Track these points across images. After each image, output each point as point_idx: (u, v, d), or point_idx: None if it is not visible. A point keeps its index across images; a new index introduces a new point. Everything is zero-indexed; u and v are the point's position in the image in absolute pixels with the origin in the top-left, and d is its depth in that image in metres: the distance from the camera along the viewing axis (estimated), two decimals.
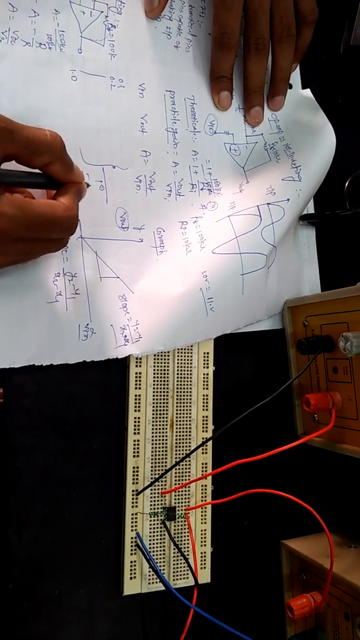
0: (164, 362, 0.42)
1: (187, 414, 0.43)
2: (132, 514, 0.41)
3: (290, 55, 0.46)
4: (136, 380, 0.41)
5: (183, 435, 0.43)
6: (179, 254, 0.43)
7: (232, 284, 0.43)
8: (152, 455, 0.42)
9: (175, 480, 0.42)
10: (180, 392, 0.43)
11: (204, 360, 0.44)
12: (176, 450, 0.42)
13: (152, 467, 0.41)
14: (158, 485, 0.42)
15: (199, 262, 0.43)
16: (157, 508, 0.42)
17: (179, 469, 0.42)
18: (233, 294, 0.43)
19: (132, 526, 0.41)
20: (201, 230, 0.44)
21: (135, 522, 0.41)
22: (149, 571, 0.41)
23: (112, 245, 0.42)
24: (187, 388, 0.43)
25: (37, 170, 0.35)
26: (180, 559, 0.42)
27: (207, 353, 0.44)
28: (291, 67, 0.47)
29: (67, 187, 0.36)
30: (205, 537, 0.43)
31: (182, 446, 0.43)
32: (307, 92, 0.49)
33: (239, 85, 0.47)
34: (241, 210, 0.44)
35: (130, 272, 0.42)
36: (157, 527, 0.42)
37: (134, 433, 0.41)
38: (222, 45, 0.43)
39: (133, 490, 0.41)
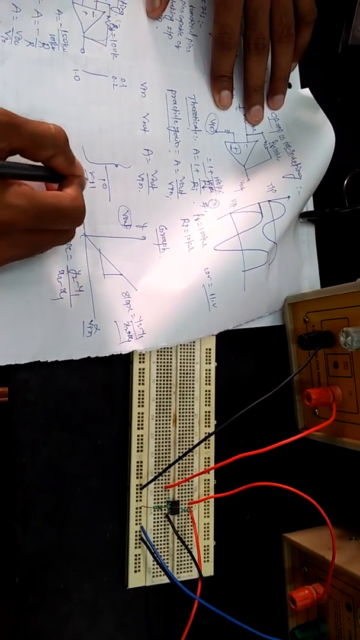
0: (167, 358, 0.43)
1: (189, 409, 0.44)
2: (137, 508, 0.41)
3: (290, 54, 0.47)
4: (139, 376, 0.42)
5: (186, 430, 0.43)
6: (181, 251, 0.44)
7: (234, 281, 0.44)
8: (155, 450, 0.42)
9: (179, 475, 0.43)
10: (183, 387, 0.43)
11: (206, 356, 0.44)
12: (179, 445, 0.43)
13: (155, 461, 0.42)
14: (161, 480, 0.42)
15: (201, 258, 0.43)
16: (161, 502, 0.42)
17: (182, 463, 0.43)
18: (235, 290, 0.44)
19: (136, 520, 0.41)
20: (203, 227, 0.44)
21: (140, 516, 0.41)
22: (154, 564, 0.41)
23: (115, 243, 0.42)
24: (189, 384, 0.44)
25: (40, 164, 0.36)
26: (184, 552, 0.42)
27: (209, 349, 0.45)
28: (290, 66, 0.48)
29: (70, 179, 0.37)
30: (208, 531, 0.44)
31: (185, 441, 0.43)
32: (307, 91, 0.50)
33: (239, 84, 0.48)
34: (242, 207, 0.45)
35: (133, 269, 0.42)
36: (161, 521, 0.42)
37: (138, 428, 0.42)
38: (223, 44, 0.44)
39: (137, 485, 0.41)
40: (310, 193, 0.48)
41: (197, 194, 0.45)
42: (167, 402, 0.43)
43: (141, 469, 0.42)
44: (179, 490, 0.43)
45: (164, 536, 0.42)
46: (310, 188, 0.47)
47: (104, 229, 0.42)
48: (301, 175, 0.46)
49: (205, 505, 0.44)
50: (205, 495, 0.44)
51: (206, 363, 0.44)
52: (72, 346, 0.40)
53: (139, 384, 0.42)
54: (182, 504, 0.43)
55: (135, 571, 0.41)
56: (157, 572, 0.42)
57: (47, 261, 0.40)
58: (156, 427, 0.42)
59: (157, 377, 0.42)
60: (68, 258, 0.40)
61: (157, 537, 0.42)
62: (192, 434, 0.43)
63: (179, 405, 0.43)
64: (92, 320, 0.40)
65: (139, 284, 0.42)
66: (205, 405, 0.44)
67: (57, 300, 0.40)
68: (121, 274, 0.42)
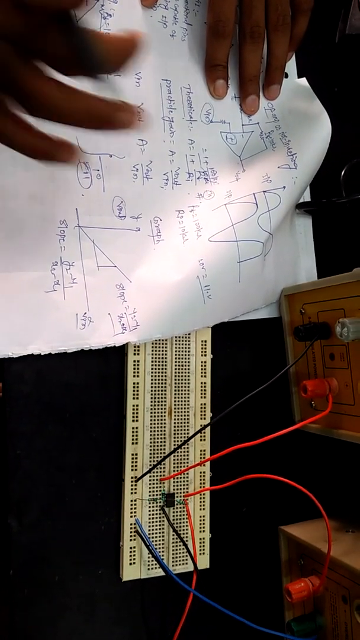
0: (162, 350, 0.43)
1: (185, 401, 0.43)
2: (132, 501, 0.41)
3: (286, 43, 0.46)
4: (134, 368, 0.42)
5: (181, 423, 0.43)
6: (176, 242, 0.43)
7: (229, 272, 0.43)
8: (150, 443, 0.42)
9: (174, 467, 0.43)
10: (178, 379, 0.43)
11: (202, 348, 0.44)
12: (174, 438, 0.43)
13: (150, 454, 0.42)
14: (157, 472, 0.42)
15: (196, 250, 0.43)
16: (156, 494, 0.42)
17: (178, 455, 0.43)
18: (230, 281, 0.44)
19: (131, 512, 0.41)
20: (198, 219, 0.44)
21: (135, 508, 0.41)
22: (149, 557, 0.41)
23: (109, 234, 0.42)
24: (185, 376, 0.43)
25: None
26: (180, 545, 0.42)
27: (205, 341, 0.44)
28: (287, 55, 0.47)
29: None
30: (204, 523, 0.43)
31: (181, 433, 0.43)
32: (303, 81, 0.49)
33: (235, 74, 0.47)
34: (237, 198, 0.44)
35: (127, 261, 0.42)
36: (156, 514, 0.42)
37: (133, 420, 0.41)
38: (217, 33, 0.44)
39: (132, 477, 0.41)
40: (307, 183, 0.48)
41: (192, 185, 0.45)
42: (162, 394, 0.42)
43: (136, 462, 0.41)
44: (174, 482, 0.43)
45: (159, 529, 0.42)
46: (306, 178, 0.47)
47: (98, 220, 0.41)
48: (297, 165, 0.46)
49: (200, 498, 0.43)
50: (200, 487, 0.43)
51: (202, 355, 0.44)
52: (66, 339, 0.40)
53: (134, 376, 0.42)
54: (177, 497, 0.43)
55: (131, 564, 0.41)
56: (152, 564, 0.41)
57: (40, 252, 0.39)
58: (151, 420, 0.42)
59: (152, 369, 0.42)
60: (62, 249, 0.40)
61: (153, 529, 0.42)
62: (188, 426, 0.43)
63: (174, 398, 0.43)
64: (85, 313, 0.40)
65: (133, 276, 0.42)
66: (201, 397, 0.44)
67: (50, 292, 0.39)
68: (115, 266, 0.42)
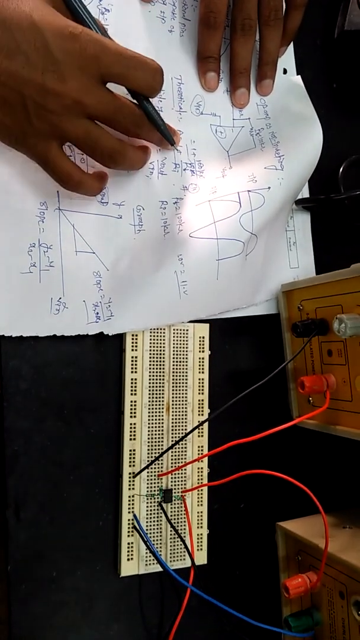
0: (160, 346, 0.43)
1: (182, 397, 0.43)
2: (129, 496, 0.41)
3: (277, 38, 0.46)
4: (132, 364, 0.42)
5: (179, 419, 0.43)
6: (157, 234, 0.43)
7: (206, 269, 0.43)
8: (148, 439, 0.42)
9: (172, 463, 0.43)
10: (176, 376, 0.43)
11: (200, 344, 0.44)
12: (172, 434, 0.43)
13: (148, 450, 0.42)
14: (154, 468, 0.42)
15: (176, 244, 0.42)
16: (154, 490, 0.42)
17: (175, 451, 0.43)
18: (207, 279, 0.43)
19: (129, 508, 0.41)
20: (181, 212, 0.44)
21: (132, 504, 0.41)
22: (146, 553, 0.41)
23: (91, 219, 0.41)
24: (182, 372, 0.43)
25: None
26: (177, 541, 0.42)
27: (203, 337, 0.44)
28: (278, 50, 0.47)
29: None
30: (201, 519, 0.43)
31: (178, 429, 0.43)
32: (298, 79, 0.49)
33: (228, 67, 0.47)
34: (222, 196, 0.44)
35: (106, 248, 0.42)
36: (154, 509, 0.42)
37: (130, 416, 0.41)
38: (208, 23, 0.43)
39: (130, 473, 0.41)
40: (295, 187, 0.47)
41: (178, 177, 0.45)
42: (160, 390, 0.42)
43: (134, 458, 0.41)
44: (172, 478, 0.43)
45: (157, 524, 0.42)
46: (293, 181, 0.46)
47: (79, 203, 0.41)
48: (283, 167, 0.45)
49: (198, 494, 0.44)
50: (198, 483, 0.43)
51: (200, 351, 0.44)
52: (39, 323, 0.39)
53: (132, 372, 0.42)
54: (175, 492, 0.43)
55: (128, 559, 0.41)
56: (150, 560, 0.41)
57: (17, 233, 0.39)
58: (149, 416, 0.42)
59: (150, 365, 0.42)
60: (40, 231, 0.40)
61: (150, 525, 0.42)
62: (185, 422, 0.43)
63: (172, 394, 0.43)
64: (60, 298, 0.40)
65: (111, 264, 0.41)
66: (199, 393, 0.44)
67: (26, 274, 0.39)
68: (94, 252, 0.41)
